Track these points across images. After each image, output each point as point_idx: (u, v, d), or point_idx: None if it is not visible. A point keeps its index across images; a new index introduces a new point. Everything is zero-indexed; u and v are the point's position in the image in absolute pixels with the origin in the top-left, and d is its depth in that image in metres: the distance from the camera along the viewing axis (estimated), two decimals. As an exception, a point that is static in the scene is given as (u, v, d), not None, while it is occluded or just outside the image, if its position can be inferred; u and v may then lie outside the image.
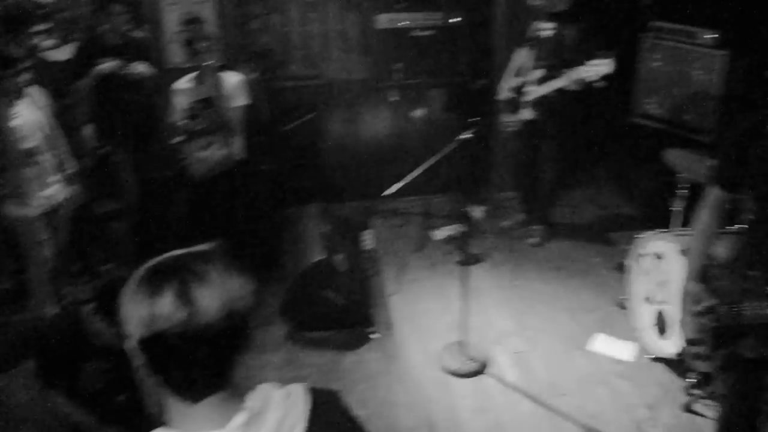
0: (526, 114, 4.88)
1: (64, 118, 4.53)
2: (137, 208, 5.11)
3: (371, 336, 4.23)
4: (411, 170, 4.62)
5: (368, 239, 5.14)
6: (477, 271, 4.77)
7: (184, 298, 1.08)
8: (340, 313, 4.21)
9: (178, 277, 1.10)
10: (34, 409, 3.80)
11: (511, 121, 5.04)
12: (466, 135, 3.50)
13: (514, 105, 4.98)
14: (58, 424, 3.27)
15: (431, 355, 4.04)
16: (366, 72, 5.78)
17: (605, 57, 4.31)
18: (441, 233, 5.37)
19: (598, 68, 4.32)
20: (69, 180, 4.37)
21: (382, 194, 3.80)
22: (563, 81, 4.55)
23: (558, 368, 3.90)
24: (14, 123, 3.96)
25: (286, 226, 4.96)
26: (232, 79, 4.47)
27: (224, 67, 4.56)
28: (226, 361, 1.16)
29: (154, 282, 1.10)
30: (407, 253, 5.23)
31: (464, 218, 5.50)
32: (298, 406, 1.22)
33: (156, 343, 1.09)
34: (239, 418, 1.15)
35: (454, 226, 5.32)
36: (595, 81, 4.36)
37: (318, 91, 5.71)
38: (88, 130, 4.91)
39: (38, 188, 4.13)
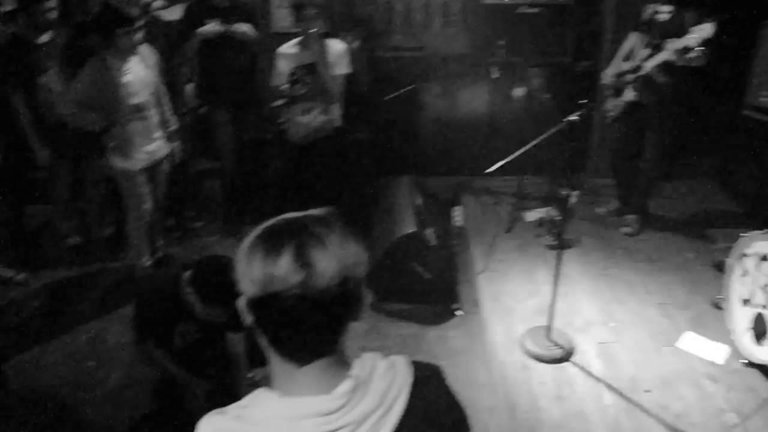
0: (629, 95, 4.71)
1: (169, 76, 4.68)
2: (233, 168, 5.23)
3: (455, 313, 4.25)
4: (506, 149, 4.55)
5: (458, 215, 5.13)
6: (566, 257, 4.68)
7: (302, 260, 1.06)
8: (427, 288, 4.24)
9: (297, 238, 1.08)
10: (126, 353, 4.01)
11: (614, 105, 4.89)
12: (574, 117, 3.41)
13: (618, 89, 4.83)
14: (149, 370, 3.43)
15: (514, 337, 4.02)
16: (468, 47, 5.71)
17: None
18: (532, 215, 5.31)
19: (700, 33, 4.11)
20: (170, 137, 4.53)
21: (485, 171, 3.73)
22: (666, 54, 4.36)
23: (644, 363, 3.81)
24: (126, 79, 4.11)
25: (378, 196, 4.99)
26: (335, 46, 4.50)
27: (329, 35, 4.60)
28: (337, 327, 1.15)
29: (272, 242, 1.09)
30: (497, 232, 5.19)
31: (557, 202, 5.45)
32: (401, 379, 1.20)
33: (269, 303, 1.08)
34: (345, 386, 1.13)
35: (546, 209, 5.27)
36: (698, 48, 4.15)
37: (419, 64, 5.68)
38: (189, 89, 5.06)
39: (143, 143, 4.30)
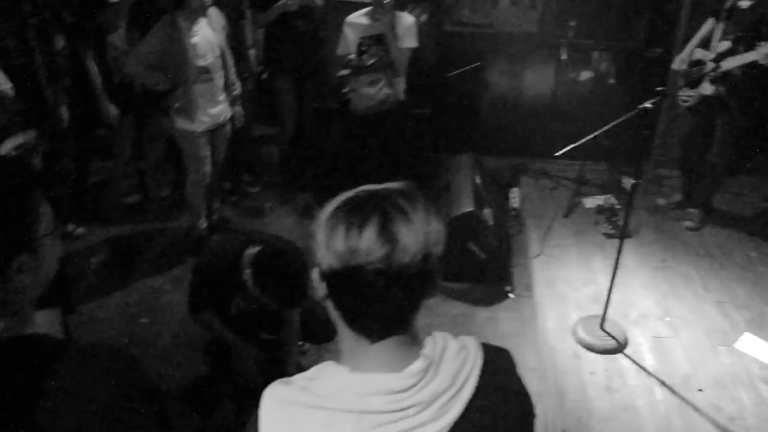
0: (706, 89, 4.55)
1: (235, 40, 4.69)
2: (292, 136, 5.23)
3: (508, 295, 4.21)
4: (568, 133, 4.45)
5: (515, 197, 5.06)
6: (624, 247, 4.58)
7: (387, 234, 1.03)
8: (480, 268, 4.20)
9: (382, 211, 1.05)
10: (179, 312, 4.08)
11: (687, 95, 4.74)
12: (648, 104, 3.31)
13: (691, 78, 4.67)
14: (201, 332, 3.49)
15: (567, 324, 3.97)
16: (536, 26, 5.59)
17: None
18: (591, 202, 5.21)
19: None
20: (233, 101, 4.55)
21: (555, 154, 3.66)
22: (756, 54, 4.20)
23: (698, 361, 3.72)
24: (194, 40, 4.13)
25: (437, 173, 4.95)
26: (405, 19, 4.45)
27: (398, 7, 4.54)
28: (413, 305, 1.11)
29: (356, 214, 1.06)
30: (554, 216, 5.10)
31: (618, 190, 5.34)
32: (471, 361, 1.17)
33: (348, 277, 1.05)
34: (417, 365, 1.11)
35: (605, 197, 5.15)
36: None
37: (486, 41, 5.57)
38: (252, 54, 5.07)
39: (206, 106, 4.32)
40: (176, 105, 4.27)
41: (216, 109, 4.36)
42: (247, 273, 2.86)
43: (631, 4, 5.39)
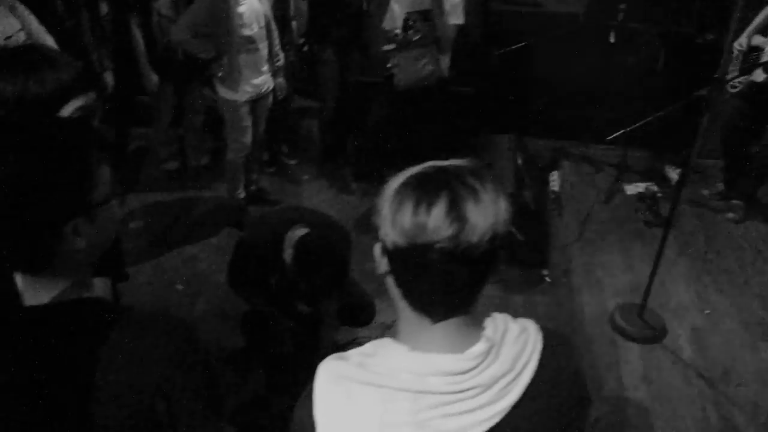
0: (759, 76, 4.43)
1: (279, 11, 4.65)
2: (333, 108, 5.20)
3: (545, 279, 4.17)
4: (611, 118, 4.39)
5: (556, 180, 5.00)
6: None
7: (456, 212, 1.00)
8: (518, 250, 4.16)
9: (451, 189, 1.02)
10: (214, 281, 4.11)
11: (737, 82, 4.61)
12: (704, 91, 3.22)
13: (747, 64, 4.54)
14: (238, 303, 3.50)
15: (603, 310, 3.93)
16: (586, 7, 5.47)
17: None
18: (632, 189, 5.12)
19: None
20: (276, 72, 4.53)
21: (607, 138, 3.59)
22: None
23: (738, 356, 3.67)
24: (240, 9, 4.11)
25: (479, 152, 4.89)
26: (452, -3, 4.38)
27: (445, -17, 4.47)
28: (478, 285, 1.09)
29: (425, 190, 1.03)
30: (594, 201, 5.03)
31: (660, 178, 5.25)
32: (531, 345, 1.15)
33: (413, 255, 1.03)
34: (479, 347, 1.09)
35: (647, 184, 5.07)
36: None
37: (533, 21, 5.47)
38: (295, 26, 5.04)
39: (250, 76, 4.30)
40: (220, 74, 4.26)
41: (259, 79, 4.34)
42: (289, 253, 2.82)
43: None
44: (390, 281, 1.13)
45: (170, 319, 1.27)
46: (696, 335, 3.80)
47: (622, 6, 5.00)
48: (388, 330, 3.81)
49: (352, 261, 3.13)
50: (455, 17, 4.31)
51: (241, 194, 4.73)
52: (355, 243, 3.22)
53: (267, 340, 3.26)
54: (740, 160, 4.88)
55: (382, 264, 1.11)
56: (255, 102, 4.42)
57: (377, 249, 1.12)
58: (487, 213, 1.02)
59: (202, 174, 5.33)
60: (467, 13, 4.50)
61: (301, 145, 5.68)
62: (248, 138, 4.48)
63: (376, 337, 3.29)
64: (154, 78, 4.63)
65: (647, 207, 4.82)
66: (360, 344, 1.19)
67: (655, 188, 4.99)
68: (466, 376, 1.07)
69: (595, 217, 4.86)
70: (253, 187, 4.93)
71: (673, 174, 5.28)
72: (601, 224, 4.79)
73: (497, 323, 1.16)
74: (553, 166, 5.24)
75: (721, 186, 5.14)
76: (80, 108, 1.69)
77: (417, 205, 1.02)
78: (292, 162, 5.49)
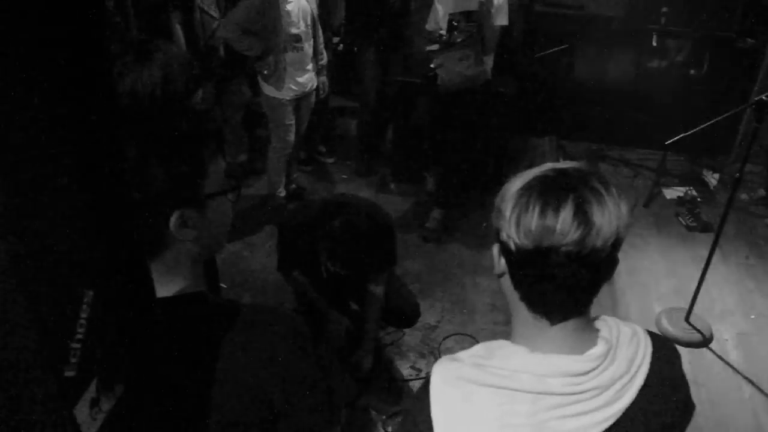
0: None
1: (324, 10, 4.67)
2: (373, 108, 5.20)
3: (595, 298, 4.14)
4: (648, 122, 4.37)
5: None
6: (705, 240, 4.50)
7: (582, 216, 1.00)
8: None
9: (577, 193, 1.02)
10: (257, 279, 4.13)
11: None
12: (764, 96, 3.19)
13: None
14: (282, 299, 3.52)
15: (649, 314, 3.91)
16: (628, 11, 5.45)
17: None
18: (671, 193, 5.10)
19: None
20: (320, 71, 4.54)
21: (666, 143, 3.57)
22: None
23: (787, 361, 3.65)
24: (288, 8, 4.13)
25: (519, 154, 4.89)
26: (496, -1, 4.37)
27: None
28: (596, 288, 1.09)
29: (551, 193, 1.03)
30: (634, 205, 5.01)
31: (698, 182, 5.23)
32: (643, 348, 1.15)
33: (538, 257, 1.02)
34: (599, 348, 1.09)
35: (686, 188, 5.05)
36: None
37: (576, 23, 5.46)
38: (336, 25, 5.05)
39: (295, 74, 4.33)
40: (265, 71, 4.27)
41: (304, 77, 4.36)
42: (322, 241, 2.89)
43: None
44: (507, 282, 1.13)
45: (285, 314, 1.27)
46: (742, 340, 3.78)
47: (664, 9, 4.98)
48: (432, 330, 3.82)
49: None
50: (500, 18, 4.29)
51: (282, 192, 4.75)
52: (405, 242, 3.23)
53: (320, 336, 3.26)
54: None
55: (500, 265, 1.12)
56: (299, 100, 4.44)
57: (495, 250, 1.12)
58: (611, 217, 1.02)
59: (241, 171, 5.34)
60: (511, 14, 4.49)
61: (338, 144, 5.69)
62: (291, 136, 4.50)
63: (422, 338, 3.30)
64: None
65: (688, 211, 4.80)
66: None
67: (694, 192, 4.97)
68: (587, 377, 1.07)
69: (636, 220, 4.83)
70: (293, 186, 4.95)
71: (712, 179, 5.26)
72: (642, 228, 4.77)
73: (610, 325, 1.16)
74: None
75: (762, 191, 5.11)
76: (202, 99, 1.72)
77: (544, 208, 1.02)
78: (330, 161, 5.51)
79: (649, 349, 1.16)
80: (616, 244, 1.04)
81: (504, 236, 1.07)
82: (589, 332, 1.13)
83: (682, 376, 1.24)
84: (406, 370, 3.52)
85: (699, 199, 4.88)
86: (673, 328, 3.73)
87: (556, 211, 1.01)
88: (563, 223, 1.00)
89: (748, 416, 3.30)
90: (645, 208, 4.98)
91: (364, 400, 3.30)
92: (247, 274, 4.27)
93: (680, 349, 3.31)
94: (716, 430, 3.23)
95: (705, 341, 3.70)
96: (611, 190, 1.05)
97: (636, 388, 1.11)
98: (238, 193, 1.28)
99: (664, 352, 1.21)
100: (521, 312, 1.13)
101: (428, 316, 3.87)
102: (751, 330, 3.86)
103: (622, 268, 4.24)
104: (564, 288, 1.06)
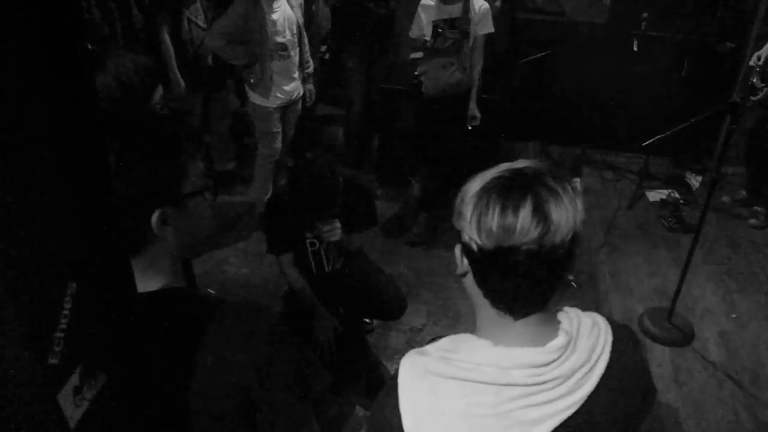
0: (780, 86, 4.48)
1: (309, 19, 4.73)
2: (360, 115, 5.26)
3: (572, 284, 4.21)
4: (631, 125, 4.41)
5: (577, 187, 5.04)
6: (687, 241, 4.55)
7: (541, 214, 1.04)
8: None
9: (534, 191, 1.05)
10: (244, 285, 4.17)
11: (758, 89, 4.65)
12: (737, 98, 3.26)
13: (765, 74, 4.59)
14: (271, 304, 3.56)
15: (631, 314, 3.96)
16: (608, 17, 5.53)
17: None
18: (655, 195, 5.17)
19: None
20: (306, 78, 4.59)
21: (643, 144, 3.65)
22: None
23: (767, 359, 3.70)
24: (274, 17, 4.18)
25: (502, 160, 4.94)
26: (479, 4, 4.42)
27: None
28: (557, 283, 1.13)
29: (510, 193, 1.06)
30: (617, 208, 5.07)
31: (681, 185, 5.30)
32: (603, 337, 1.19)
33: (499, 256, 1.06)
34: (560, 340, 1.13)
35: (669, 191, 5.11)
36: None
37: (558, 29, 5.54)
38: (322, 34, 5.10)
39: (282, 82, 4.38)
40: (252, 80, 4.32)
41: (290, 85, 4.42)
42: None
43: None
44: (470, 281, 1.17)
45: (261, 306, 1.32)
46: (724, 338, 3.83)
47: (645, 14, 5.06)
48: (418, 333, 3.87)
49: (382, 262, 3.21)
50: (483, 26, 4.36)
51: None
52: (382, 246, 3.30)
53: (310, 338, 3.29)
54: (763, 167, 4.92)
55: (463, 265, 1.15)
56: (285, 108, 4.49)
57: (458, 250, 1.16)
58: (568, 214, 1.06)
59: (228, 179, 5.38)
60: (494, 21, 4.55)
61: (325, 151, 5.73)
62: (278, 144, 4.54)
63: (408, 340, 3.35)
64: (183, 84, 4.68)
65: (670, 213, 4.86)
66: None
67: (676, 195, 5.03)
68: (548, 368, 1.11)
69: (619, 223, 4.90)
70: (279, 190, 4.98)
71: (694, 181, 5.33)
72: (625, 230, 4.83)
73: (571, 316, 1.20)
74: (576, 172, 5.28)
75: (743, 193, 5.18)
76: (162, 97, 1.78)
77: (503, 209, 1.05)
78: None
79: (610, 338, 1.20)
80: (574, 239, 1.08)
81: (466, 237, 1.10)
82: (551, 325, 1.17)
83: (643, 362, 1.28)
84: (392, 371, 3.56)
85: (682, 201, 4.94)
86: (656, 327, 3.79)
87: (516, 211, 1.04)
88: (523, 223, 1.04)
89: (729, 413, 3.35)
90: (628, 210, 5.04)
91: (353, 399, 3.34)
92: (235, 280, 4.31)
93: (662, 348, 3.39)
94: (697, 427, 3.28)
95: (687, 340, 3.76)
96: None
97: (597, 376, 1.15)
98: (215, 193, 1.32)
99: (625, 340, 1.24)
100: (485, 308, 1.17)
101: (414, 319, 3.92)
102: (733, 329, 3.91)
103: (605, 270, 4.34)
104: (526, 285, 1.10)
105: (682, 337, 3.75)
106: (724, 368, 3.62)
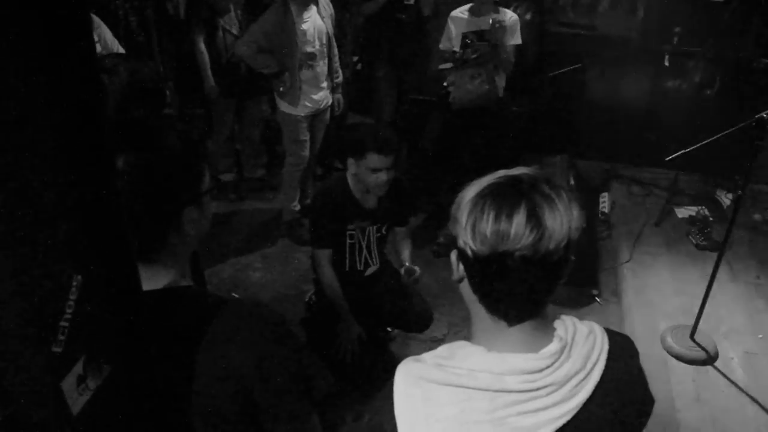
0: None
1: (337, 29, 4.78)
2: (389, 125, 5.29)
3: (596, 299, 4.19)
4: (661, 142, 4.36)
5: (605, 202, 5.02)
6: (714, 259, 4.49)
7: (535, 220, 1.04)
8: (569, 269, 4.18)
9: (529, 198, 1.07)
10: (270, 290, 4.22)
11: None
12: (765, 114, 3.22)
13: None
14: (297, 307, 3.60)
15: (655, 331, 3.92)
16: (640, 31, 5.51)
17: None
18: (683, 212, 5.12)
19: None
20: (335, 88, 4.65)
21: (666, 159, 3.63)
22: None
23: (792, 381, 3.64)
24: (304, 26, 4.24)
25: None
26: (508, 16, 4.46)
27: (501, 4, 4.55)
28: (551, 289, 1.14)
29: (504, 200, 1.07)
30: (645, 223, 5.03)
31: (711, 202, 5.23)
32: (599, 345, 1.19)
33: (494, 262, 1.07)
34: (553, 346, 1.13)
35: (698, 208, 5.06)
36: None
37: (588, 43, 5.53)
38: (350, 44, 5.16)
39: (310, 91, 4.43)
40: (281, 89, 4.38)
41: (319, 94, 4.47)
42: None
43: (739, 13, 5.25)
44: (465, 287, 1.18)
45: (264, 307, 1.35)
46: (749, 359, 3.77)
47: (677, 29, 5.03)
48: (438, 343, 3.87)
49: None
50: (512, 38, 4.38)
51: (296, 207, 4.84)
52: (415, 257, 3.33)
53: (335, 343, 3.30)
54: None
55: (459, 271, 1.17)
56: (314, 117, 4.54)
57: (453, 256, 1.17)
58: (562, 220, 1.07)
59: (257, 186, 5.46)
60: (524, 33, 4.57)
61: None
62: (306, 152, 4.59)
63: (428, 350, 3.34)
64: (215, 88, 4.75)
65: (699, 230, 4.81)
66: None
67: (706, 212, 4.98)
68: (542, 374, 1.12)
69: (646, 239, 4.86)
70: (307, 200, 5.04)
71: (725, 198, 5.26)
72: (652, 246, 4.79)
73: (566, 324, 1.21)
74: (604, 187, 5.26)
75: (774, 212, 5.11)
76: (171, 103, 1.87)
77: (498, 214, 1.06)
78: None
79: (606, 347, 1.20)
80: (569, 246, 1.08)
81: (461, 243, 1.11)
82: (546, 331, 1.17)
83: (640, 371, 1.28)
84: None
85: (711, 219, 4.89)
86: (678, 345, 3.75)
87: (510, 217, 1.06)
88: (517, 228, 1.05)
89: (750, 434, 3.31)
90: (656, 226, 4.99)
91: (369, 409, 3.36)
92: (260, 286, 4.36)
93: (684, 366, 3.35)
94: (718, 447, 3.25)
95: (709, 359, 3.71)
96: (562, 194, 1.10)
97: (592, 384, 1.15)
98: (216, 189, 1.38)
99: (621, 349, 1.24)
100: (480, 314, 1.18)
101: (435, 329, 3.92)
102: (759, 349, 3.85)
103: (630, 286, 4.31)
104: (520, 290, 1.11)
105: (705, 356, 3.70)
106: (748, 389, 3.56)
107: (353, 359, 3.23)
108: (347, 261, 3.36)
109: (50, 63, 0.80)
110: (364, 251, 3.36)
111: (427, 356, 1.21)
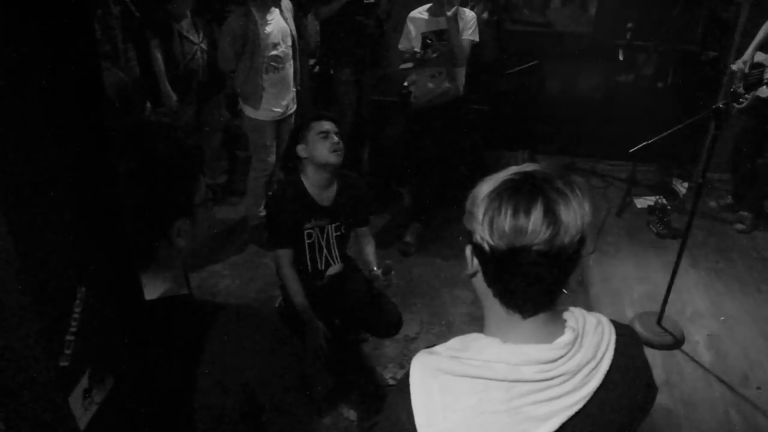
0: (764, 92, 4.56)
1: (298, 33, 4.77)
2: (350, 126, 5.29)
3: (563, 290, 4.24)
4: (619, 134, 4.48)
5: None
6: (675, 246, 4.61)
7: (552, 216, 1.07)
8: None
9: (544, 193, 1.08)
10: (238, 294, 4.18)
11: (742, 97, 4.74)
12: (720, 104, 3.32)
13: (749, 81, 4.67)
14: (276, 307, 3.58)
15: (623, 319, 3.98)
16: (592, 27, 5.62)
17: None
18: (642, 202, 5.24)
19: None
20: (299, 92, 4.63)
21: (630, 151, 3.71)
22: None
23: (755, 361, 3.75)
24: (267, 29, 4.21)
25: (492, 168, 5.00)
26: (466, 14, 4.49)
27: (460, 4, 4.59)
28: (564, 282, 1.16)
29: (521, 196, 1.09)
30: (606, 215, 5.14)
31: (668, 191, 5.37)
32: (607, 335, 1.22)
33: (511, 256, 1.09)
34: (567, 337, 1.16)
35: (656, 197, 5.18)
36: None
37: (544, 40, 5.62)
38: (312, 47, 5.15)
39: (276, 95, 4.40)
40: (246, 94, 4.35)
41: (285, 99, 4.44)
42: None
43: (688, 8, 5.39)
44: (480, 281, 1.20)
45: (261, 311, 1.35)
46: (713, 341, 3.89)
47: (630, 25, 5.14)
48: (411, 342, 3.89)
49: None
50: (470, 33, 4.41)
51: (262, 212, 4.79)
52: (383, 257, 3.34)
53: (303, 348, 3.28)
54: (748, 173, 5.01)
55: (474, 265, 1.19)
56: (279, 122, 4.51)
57: (468, 251, 1.19)
58: (576, 215, 1.09)
59: (220, 192, 5.41)
60: (481, 32, 4.62)
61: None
62: (272, 157, 4.56)
63: (401, 350, 3.36)
64: (174, 97, 4.70)
65: (658, 219, 4.93)
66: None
67: (664, 201, 5.10)
68: (555, 364, 1.14)
69: (608, 229, 4.96)
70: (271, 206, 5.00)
71: (681, 187, 5.41)
72: (615, 237, 4.90)
73: (576, 315, 1.24)
74: (564, 180, 5.34)
75: (729, 198, 5.26)
76: (151, 110, 1.84)
77: (516, 210, 1.08)
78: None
79: (613, 337, 1.23)
80: (582, 240, 1.11)
81: (477, 238, 1.13)
82: (558, 322, 1.20)
83: (645, 360, 1.31)
84: (386, 380, 3.59)
85: (669, 208, 5.01)
86: (646, 331, 3.83)
87: (528, 212, 1.07)
88: (534, 224, 1.07)
89: (720, 414, 3.39)
90: (617, 217, 5.10)
91: (346, 407, 3.36)
92: (229, 293, 4.32)
93: (653, 351, 3.42)
94: (691, 428, 3.32)
95: (677, 343, 3.81)
96: (575, 190, 1.12)
97: (602, 372, 1.18)
98: (214, 201, 1.37)
99: (627, 339, 1.27)
100: (494, 307, 1.20)
101: (407, 328, 3.94)
102: (721, 331, 3.97)
103: (595, 276, 4.40)
104: (535, 284, 1.13)
105: (673, 341, 3.80)
106: (715, 370, 3.67)
107: (324, 357, 3.21)
108: (308, 261, 3.34)
109: (50, 63, 0.79)
110: (324, 251, 3.36)
111: (440, 348, 1.22)
